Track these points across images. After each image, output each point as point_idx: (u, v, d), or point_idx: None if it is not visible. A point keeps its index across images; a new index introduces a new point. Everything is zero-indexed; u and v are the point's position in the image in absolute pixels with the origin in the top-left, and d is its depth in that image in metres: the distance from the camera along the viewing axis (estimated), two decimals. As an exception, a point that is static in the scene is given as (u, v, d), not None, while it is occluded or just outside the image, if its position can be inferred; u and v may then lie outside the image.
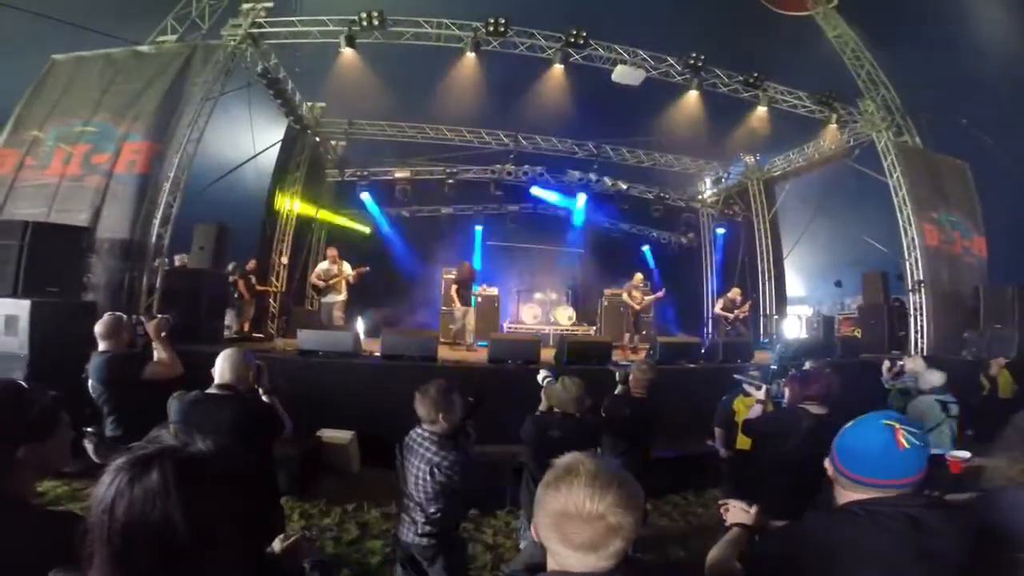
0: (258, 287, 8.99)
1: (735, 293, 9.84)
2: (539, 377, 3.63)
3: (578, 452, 1.06)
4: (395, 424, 5.10)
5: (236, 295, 8.51)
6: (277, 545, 1.35)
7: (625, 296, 9.84)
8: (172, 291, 6.51)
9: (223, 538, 0.78)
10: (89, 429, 2.84)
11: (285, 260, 10.23)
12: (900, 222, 8.55)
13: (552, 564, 1.01)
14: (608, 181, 12.51)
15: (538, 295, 11.63)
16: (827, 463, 1.47)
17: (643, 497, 1.03)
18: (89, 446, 2.79)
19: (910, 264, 8.26)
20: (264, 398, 2.72)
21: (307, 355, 5.77)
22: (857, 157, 9.80)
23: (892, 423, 1.35)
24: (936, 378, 3.97)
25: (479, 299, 9.71)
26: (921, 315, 7.95)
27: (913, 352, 7.47)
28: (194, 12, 7.82)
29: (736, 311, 9.65)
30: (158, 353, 3.21)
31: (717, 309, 10.11)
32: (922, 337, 7.88)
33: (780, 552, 1.45)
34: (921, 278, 8.04)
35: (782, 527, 1.61)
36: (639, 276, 10.12)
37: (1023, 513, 1.46)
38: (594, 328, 11.30)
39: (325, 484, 4.79)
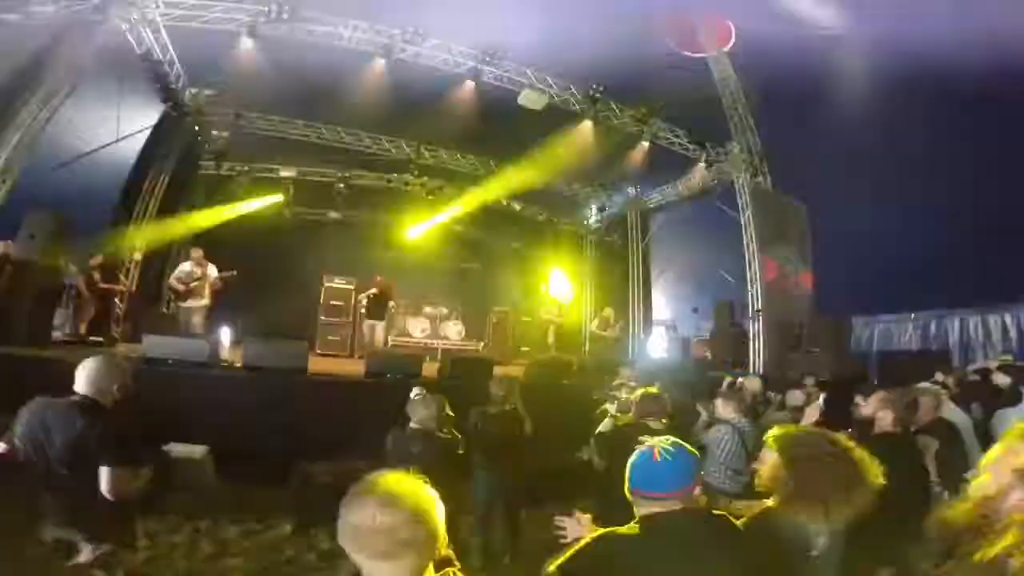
0: (102, 285, 7.89)
1: (608, 313, 10.62)
2: (412, 393, 3.65)
3: (385, 470, 1.15)
4: (257, 438, 4.86)
5: (74, 293, 7.41)
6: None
7: (542, 313, 10.05)
8: (-17, 284, 5.51)
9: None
10: None
11: (139, 256, 9.09)
12: (747, 257, 9.81)
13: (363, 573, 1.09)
14: (504, 201, 12.86)
15: (428, 309, 11.53)
16: None
17: (441, 512, 1.11)
18: None
19: (751, 295, 9.54)
20: None
21: (154, 363, 5.20)
22: (719, 194, 10.85)
23: (650, 440, 1.57)
24: (799, 396, 4.61)
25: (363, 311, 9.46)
26: (758, 340, 9.21)
27: (752, 371, 8.61)
28: (84, -19, 6.91)
29: (609, 329, 10.43)
30: None
31: (592, 327, 10.83)
32: (758, 358, 9.11)
33: (581, 563, 1.57)
34: (760, 308, 9.32)
35: (590, 540, 1.71)
36: (545, 288, 10.42)
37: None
38: (482, 344, 11.47)
39: (175, 501, 4.37)
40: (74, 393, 2.34)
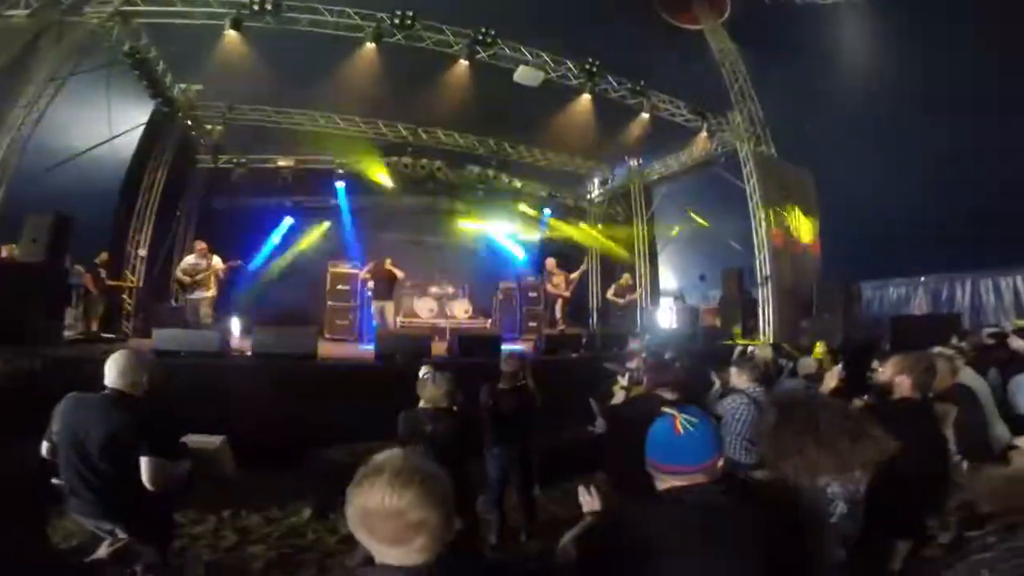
0: (109, 282, 7.94)
1: (626, 279, 10.53)
2: (420, 373, 3.62)
3: (393, 450, 1.11)
4: (271, 425, 4.90)
5: (82, 291, 7.46)
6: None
7: (549, 287, 9.99)
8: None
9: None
10: None
11: (143, 252, 9.11)
12: (753, 224, 9.69)
13: (375, 557, 1.06)
14: (505, 178, 12.74)
15: (433, 289, 11.51)
16: None
17: (449, 493, 1.06)
18: None
19: (759, 261, 9.44)
20: None
21: (165, 356, 5.22)
22: (722, 164, 10.75)
23: (671, 410, 1.44)
24: (811, 364, 4.53)
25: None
26: (768, 307, 9.13)
27: (762, 339, 8.56)
28: (58, -17, 6.83)
29: (628, 296, 10.38)
30: None
31: (609, 295, 10.75)
32: (769, 325, 9.05)
33: (601, 538, 1.50)
34: (768, 274, 9.23)
35: (607, 514, 1.66)
36: (551, 261, 10.35)
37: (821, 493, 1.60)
38: (490, 321, 11.47)
39: (196, 492, 4.46)
40: (104, 387, 2.35)
